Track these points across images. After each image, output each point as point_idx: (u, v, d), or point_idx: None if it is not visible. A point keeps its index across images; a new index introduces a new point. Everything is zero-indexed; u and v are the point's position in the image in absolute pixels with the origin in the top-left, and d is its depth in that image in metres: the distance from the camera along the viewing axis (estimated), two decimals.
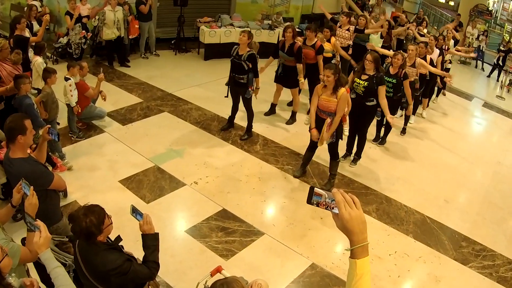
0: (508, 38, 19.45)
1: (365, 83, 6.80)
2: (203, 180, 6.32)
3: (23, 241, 3.86)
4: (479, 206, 7.25)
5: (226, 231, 5.38)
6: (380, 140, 8.41)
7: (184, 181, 6.21)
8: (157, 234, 3.14)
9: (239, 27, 10.97)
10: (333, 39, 8.93)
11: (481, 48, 16.34)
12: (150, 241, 3.13)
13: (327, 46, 8.74)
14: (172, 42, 10.89)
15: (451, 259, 5.78)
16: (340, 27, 9.61)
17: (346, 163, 7.42)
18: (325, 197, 1.73)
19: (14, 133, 3.46)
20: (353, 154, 7.57)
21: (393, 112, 7.87)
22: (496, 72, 15.83)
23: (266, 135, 7.90)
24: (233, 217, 5.66)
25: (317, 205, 1.76)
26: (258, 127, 7.83)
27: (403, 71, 7.59)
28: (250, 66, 7.09)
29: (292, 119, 8.54)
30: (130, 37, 9.47)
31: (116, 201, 5.49)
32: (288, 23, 8.62)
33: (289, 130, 8.26)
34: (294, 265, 5.10)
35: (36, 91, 6.32)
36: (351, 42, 9.70)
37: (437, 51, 9.52)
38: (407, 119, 8.98)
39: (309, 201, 1.77)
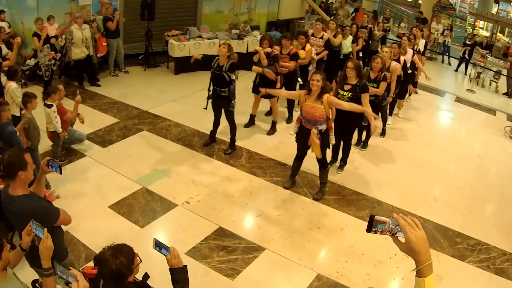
0: (471, 31, 20.25)
1: (349, 94, 6.91)
2: (195, 199, 6.36)
3: (34, 284, 3.82)
4: (467, 201, 7.56)
5: (227, 249, 5.45)
6: (362, 144, 8.63)
7: (175, 202, 6.24)
8: (185, 267, 3.03)
9: (208, 38, 11.08)
10: (308, 46, 9.11)
11: (446, 43, 16.92)
12: (180, 275, 3.01)
13: (302, 53, 8.93)
14: (140, 57, 10.87)
15: (449, 256, 6.02)
16: (313, 35, 9.82)
17: (333, 170, 7.58)
18: (389, 223, 1.84)
19: (14, 169, 3.27)
20: (338, 161, 7.74)
21: (375, 113, 8.11)
22: (463, 65, 16.43)
23: (250, 147, 7.99)
24: (231, 235, 5.72)
25: (381, 233, 1.85)
26: (240, 140, 7.91)
27: (383, 74, 7.81)
28: (233, 77, 7.22)
29: (272, 130, 8.66)
30: (98, 55, 9.41)
31: (109, 228, 5.48)
32: (264, 34, 8.78)
33: (271, 141, 8.38)
34: (300, 278, 5.21)
35: None
36: (323, 48, 9.93)
37: (410, 51, 9.86)
38: (385, 120, 9.23)
39: (369, 229, 1.87)
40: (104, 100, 8.92)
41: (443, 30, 16.86)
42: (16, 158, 3.29)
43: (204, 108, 7.61)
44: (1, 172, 3.34)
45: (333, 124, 6.63)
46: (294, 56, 8.42)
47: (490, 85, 15.18)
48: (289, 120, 9.23)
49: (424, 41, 11.91)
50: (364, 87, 6.96)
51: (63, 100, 7.03)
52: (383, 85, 7.78)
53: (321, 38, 9.96)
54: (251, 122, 8.81)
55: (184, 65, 10.80)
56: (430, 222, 6.69)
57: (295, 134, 6.70)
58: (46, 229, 2.90)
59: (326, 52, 10.04)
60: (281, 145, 8.25)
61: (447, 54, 17.39)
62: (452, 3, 20.82)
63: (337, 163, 7.72)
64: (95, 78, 9.54)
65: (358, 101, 6.92)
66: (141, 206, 6.07)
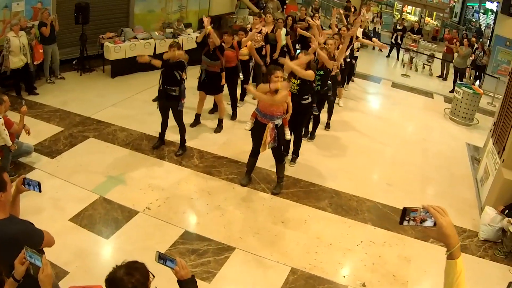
0: (399, 16, 21.12)
1: (298, 81, 7.17)
2: (155, 204, 6.31)
3: None
4: (419, 184, 7.98)
5: (197, 253, 5.46)
6: (309, 135, 8.85)
7: (135, 209, 6.16)
8: (193, 277, 2.93)
9: (143, 39, 10.95)
10: (249, 42, 9.21)
11: (376, 30, 17.58)
12: (190, 285, 2.90)
13: (243, 50, 9.07)
14: (74, 62, 10.57)
15: (413, 238, 6.35)
16: (251, 29, 9.92)
17: (286, 164, 7.73)
18: (420, 211, 1.99)
19: None
20: (290, 154, 7.91)
21: (320, 106, 8.38)
22: (394, 51, 17.13)
23: (200, 147, 8.00)
24: (199, 237, 5.74)
25: (413, 221, 2.00)
26: (189, 140, 7.87)
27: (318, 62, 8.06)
28: (184, 76, 7.22)
29: (219, 127, 8.71)
30: (35, 63, 9.06)
31: (74, 243, 5.34)
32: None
33: (220, 139, 8.42)
34: (275, 273, 5.31)
35: None
36: (264, 43, 10.06)
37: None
38: (330, 112, 9.49)
39: (402, 221, 2.01)
40: (45, 109, 8.62)
41: (373, 18, 17.49)
42: None
43: (157, 108, 7.54)
44: None
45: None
46: (239, 44, 8.55)
47: (423, 68, 15.96)
48: (233, 117, 9.31)
49: (361, 30, 12.32)
50: (310, 67, 7.28)
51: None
52: (334, 63, 8.08)
53: (260, 32, 10.09)
54: (196, 121, 8.80)
55: (121, 68, 10.64)
56: (388, 207, 7.01)
57: (250, 130, 6.79)
58: (44, 255, 2.75)
59: (268, 46, 10.21)
60: (230, 142, 8.33)
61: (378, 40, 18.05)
62: None
63: (289, 156, 7.88)
64: (32, 87, 9.17)
65: (307, 89, 7.25)
66: (102, 216, 5.95)
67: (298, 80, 7.17)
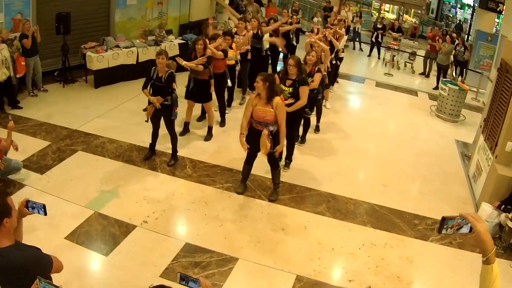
0: (377, 15, 21.30)
1: (290, 89, 7.18)
2: (152, 217, 6.22)
3: None
4: (413, 183, 8.06)
5: (201, 265, 5.39)
6: (300, 139, 8.85)
7: (132, 223, 6.06)
8: None
9: (126, 47, 10.83)
10: (234, 45, 9.21)
11: (357, 30, 17.71)
12: None
13: (230, 53, 9.02)
14: (56, 73, 10.40)
15: (413, 238, 6.41)
16: (236, 33, 9.89)
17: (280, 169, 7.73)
18: (457, 219, 2.04)
19: None
20: (283, 159, 7.89)
21: (311, 109, 8.41)
22: (375, 50, 17.28)
23: (191, 156, 7.94)
24: (200, 249, 5.66)
25: (451, 228, 2.04)
26: (179, 149, 7.80)
27: (317, 68, 8.07)
28: (174, 86, 7.17)
29: (209, 135, 8.66)
30: (17, 75, 8.88)
31: (72, 261, 5.20)
32: (198, 36, 8.72)
33: (211, 147, 8.38)
34: (281, 282, 5.28)
35: None
36: (249, 47, 10.04)
37: (345, 37, 10.32)
38: (319, 115, 9.51)
39: (441, 230, 2.06)
40: (30, 123, 8.45)
41: (353, 18, 17.62)
42: None
43: (146, 121, 7.44)
44: None
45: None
46: (224, 53, 8.50)
47: (405, 66, 16.12)
48: (222, 123, 9.27)
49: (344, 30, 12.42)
50: (303, 80, 7.24)
51: None
52: (318, 76, 8.02)
53: (245, 36, 10.07)
54: (186, 130, 8.74)
55: (104, 78, 10.52)
56: (385, 208, 7.05)
57: (245, 136, 6.71)
58: (61, 286, 2.63)
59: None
60: (222, 149, 8.29)
61: (358, 40, 18.22)
62: None
63: (283, 161, 7.86)
64: (15, 101, 8.97)
65: (298, 95, 7.21)
66: (99, 232, 5.84)
67: (291, 89, 7.17)
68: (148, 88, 7.25)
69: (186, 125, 8.77)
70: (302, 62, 7.46)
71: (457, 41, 14.54)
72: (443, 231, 2.07)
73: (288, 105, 7.01)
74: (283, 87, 7.14)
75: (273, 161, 6.80)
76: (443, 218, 2.03)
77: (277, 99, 6.28)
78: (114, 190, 6.80)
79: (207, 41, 8.24)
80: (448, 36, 13.96)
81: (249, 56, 10.08)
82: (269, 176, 7.05)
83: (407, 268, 5.80)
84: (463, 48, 14.23)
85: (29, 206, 3.16)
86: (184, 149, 8.04)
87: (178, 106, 7.32)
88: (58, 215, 6.08)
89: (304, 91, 7.21)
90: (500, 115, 7.18)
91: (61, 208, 6.23)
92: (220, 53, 8.35)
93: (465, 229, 2.06)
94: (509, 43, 7.88)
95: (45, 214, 3.14)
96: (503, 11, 16.05)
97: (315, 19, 16.11)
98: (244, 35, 9.82)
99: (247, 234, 6.09)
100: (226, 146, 8.40)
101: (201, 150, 8.19)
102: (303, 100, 7.23)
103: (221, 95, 9.08)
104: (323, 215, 6.73)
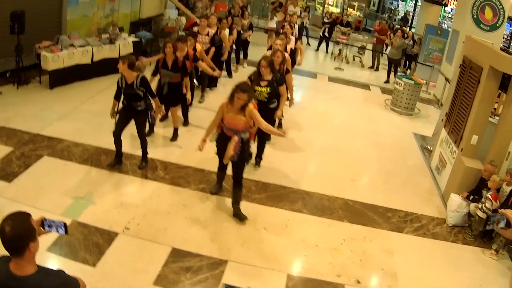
0: (321, 9, 21.74)
1: (268, 89, 7.29)
2: (133, 223, 6.19)
3: None
4: (380, 177, 8.42)
5: (192, 270, 5.44)
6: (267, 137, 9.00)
7: (114, 230, 6.00)
8: None
9: (80, 46, 10.59)
10: (198, 45, 9.21)
11: (304, 25, 18.02)
12: None
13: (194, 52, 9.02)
14: (7, 74, 10.03)
15: (389, 231, 6.78)
16: (198, 32, 9.91)
17: (251, 168, 7.87)
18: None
19: (24, 242, 2.64)
20: (253, 157, 8.02)
21: (271, 122, 8.53)
22: (323, 44, 17.68)
23: (161, 157, 7.90)
24: (189, 254, 5.70)
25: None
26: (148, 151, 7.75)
27: (285, 67, 8.24)
28: (144, 90, 7.04)
29: (175, 136, 8.62)
30: None
31: None
32: (167, 39, 8.64)
33: (178, 148, 8.37)
34: (274, 282, 5.43)
35: None
36: (210, 45, 10.11)
37: (293, 39, 10.50)
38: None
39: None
40: None
41: (300, 12, 17.94)
42: (23, 227, 2.67)
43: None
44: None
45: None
46: (195, 58, 8.51)
47: (353, 60, 16.59)
48: (186, 123, 9.29)
49: (297, 26, 12.68)
50: (281, 79, 7.46)
51: None
52: (290, 76, 8.22)
53: (207, 35, 10.12)
54: (151, 130, 8.70)
55: (60, 78, 10.24)
56: (358, 203, 7.36)
57: (215, 141, 6.56)
58: None
59: (213, 49, 10.28)
60: (190, 150, 8.21)
61: (305, 34, 18.56)
62: None
63: (253, 160, 8.00)
64: None
65: (276, 94, 7.39)
66: (82, 242, 5.74)
67: (268, 88, 7.29)
68: (122, 97, 7.13)
69: (151, 126, 8.71)
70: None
71: (406, 35, 15.10)
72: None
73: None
74: (258, 88, 7.25)
75: (238, 174, 6.50)
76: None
77: (250, 107, 6.07)
78: (89, 196, 6.69)
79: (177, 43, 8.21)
80: (399, 31, 14.51)
81: (209, 55, 10.12)
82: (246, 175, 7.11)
83: (388, 260, 6.12)
84: (412, 41, 14.82)
85: (46, 225, 2.96)
86: (151, 150, 7.93)
87: (153, 109, 7.29)
88: None
89: (284, 88, 7.50)
90: (464, 110, 7.62)
91: (37, 218, 6.08)
92: (210, 70, 8.39)
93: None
94: (470, 40, 8.35)
95: (66, 232, 3.02)
96: (449, 4, 16.90)
97: (275, 19, 16.28)
98: (207, 34, 9.86)
99: (232, 236, 6.19)
100: (193, 147, 8.30)
101: (170, 152, 8.18)
102: (284, 96, 7.57)
103: (185, 95, 9.03)
104: (301, 212, 6.93)
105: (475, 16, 12.37)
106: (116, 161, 7.52)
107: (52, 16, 10.98)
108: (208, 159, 7.56)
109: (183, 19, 14.75)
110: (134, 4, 13.22)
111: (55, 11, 10.98)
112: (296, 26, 12.57)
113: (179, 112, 9.02)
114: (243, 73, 12.65)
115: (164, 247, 5.81)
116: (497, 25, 12.50)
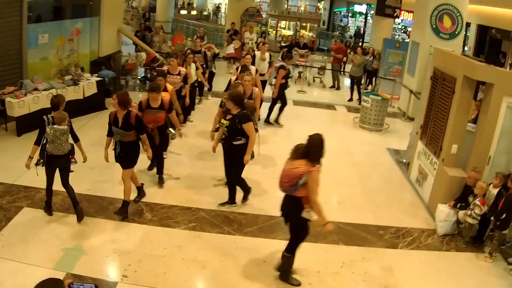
0: (274, 33, 22.16)
1: (227, 123, 7.29)
2: (130, 270, 6.12)
3: None
4: (364, 196, 8.63)
5: None
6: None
7: (112, 279, 5.92)
8: None
9: (45, 90, 10.45)
10: (169, 86, 9.09)
11: None
12: None
13: (165, 96, 8.45)
14: None
15: (384, 248, 6.98)
16: (169, 72, 9.91)
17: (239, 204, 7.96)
18: None
19: None
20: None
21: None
22: None
23: (145, 199, 7.74)
24: None
25: None
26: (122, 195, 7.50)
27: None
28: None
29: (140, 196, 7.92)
30: None
31: None
32: (119, 91, 8.24)
33: (161, 187, 8.38)
34: None
35: None
36: (182, 83, 10.12)
37: (253, 68, 10.73)
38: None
39: None
40: None
41: (257, 38, 18.25)
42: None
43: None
44: None
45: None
46: (170, 108, 8.21)
47: (314, 81, 16.95)
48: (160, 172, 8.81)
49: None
50: (244, 117, 7.25)
51: None
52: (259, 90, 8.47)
53: (178, 74, 10.12)
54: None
55: (26, 124, 10.02)
56: (349, 225, 7.53)
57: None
58: None
59: (187, 87, 10.32)
60: (172, 188, 8.28)
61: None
62: (258, 10, 22.44)
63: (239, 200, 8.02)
64: None
65: (238, 132, 7.29)
66: None
67: (227, 122, 7.28)
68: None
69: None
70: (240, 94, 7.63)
71: (367, 51, 15.55)
72: None
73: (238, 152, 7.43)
74: (223, 121, 7.33)
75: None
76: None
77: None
78: (79, 246, 6.57)
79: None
80: (359, 48, 14.96)
81: (183, 92, 10.19)
82: (233, 210, 7.46)
83: (390, 277, 6.29)
84: (372, 57, 15.28)
85: None
86: (134, 193, 7.87)
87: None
88: (28, 284, 5.78)
89: (248, 128, 7.29)
90: (441, 120, 7.93)
91: (28, 274, 5.88)
92: (178, 124, 8.42)
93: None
94: (440, 52, 8.71)
95: None
96: (400, 16, 17.51)
97: (231, 45, 16.46)
98: (178, 74, 9.89)
99: (233, 273, 6.19)
100: (172, 186, 8.44)
101: (152, 192, 8.09)
102: (252, 137, 7.35)
103: (161, 146, 8.59)
104: None
105: (433, 26, 12.94)
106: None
107: (12, 60, 10.77)
108: (192, 197, 7.64)
109: (143, 55, 14.79)
110: (93, 43, 13.17)
111: (16, 55, 10.80)
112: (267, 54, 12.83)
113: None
114: (206, 105, 12.84)
115: None
116: (456, 32, 13.13)
